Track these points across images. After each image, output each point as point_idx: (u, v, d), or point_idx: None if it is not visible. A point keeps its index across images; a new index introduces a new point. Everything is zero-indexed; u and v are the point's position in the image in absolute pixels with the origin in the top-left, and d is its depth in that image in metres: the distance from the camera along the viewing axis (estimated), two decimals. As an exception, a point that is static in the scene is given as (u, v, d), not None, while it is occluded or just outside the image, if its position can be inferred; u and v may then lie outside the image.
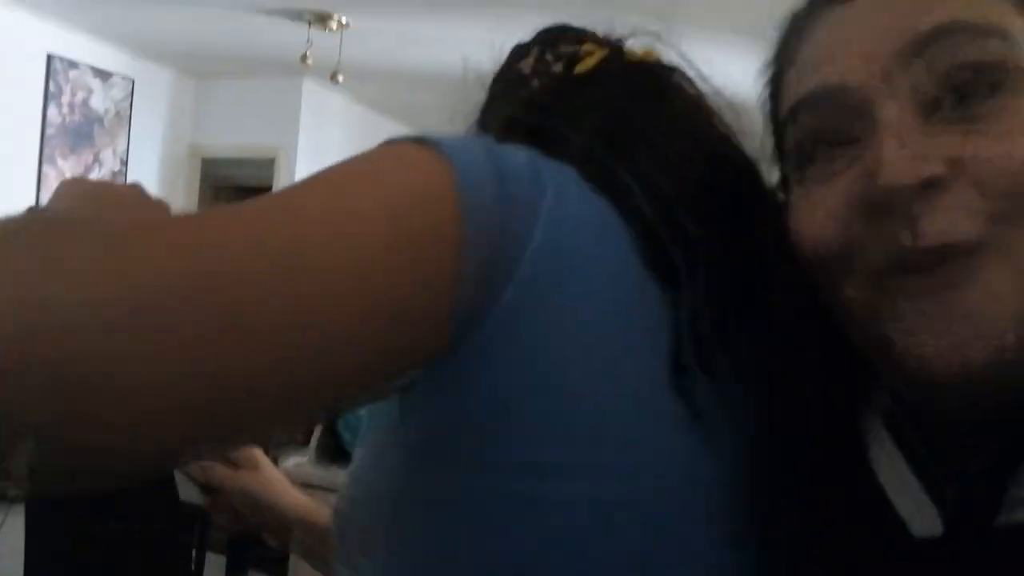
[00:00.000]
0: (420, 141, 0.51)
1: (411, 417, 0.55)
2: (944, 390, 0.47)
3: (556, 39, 0.76)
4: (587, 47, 0.73)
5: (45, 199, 6.24)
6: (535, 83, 0.73)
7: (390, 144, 0.52)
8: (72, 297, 0.36)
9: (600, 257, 0.54)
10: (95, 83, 6.74)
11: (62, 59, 6.39)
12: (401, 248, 0.46)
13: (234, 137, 7.62)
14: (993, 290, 0.45)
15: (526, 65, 0.75)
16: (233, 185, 7.69)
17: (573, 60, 0.72)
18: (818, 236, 0.51)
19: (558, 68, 0.73)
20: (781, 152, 0.57)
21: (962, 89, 0.47)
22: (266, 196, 0.46)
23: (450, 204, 0.48)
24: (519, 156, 0.55)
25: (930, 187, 0.45)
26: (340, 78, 6.00)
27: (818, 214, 0.51)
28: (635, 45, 0.77)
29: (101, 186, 0.66)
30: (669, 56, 0.74)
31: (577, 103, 0.68)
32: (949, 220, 0.45)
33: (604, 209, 0.57)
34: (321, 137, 7.65)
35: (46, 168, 6.37)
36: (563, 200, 0.54)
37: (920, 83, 0.47)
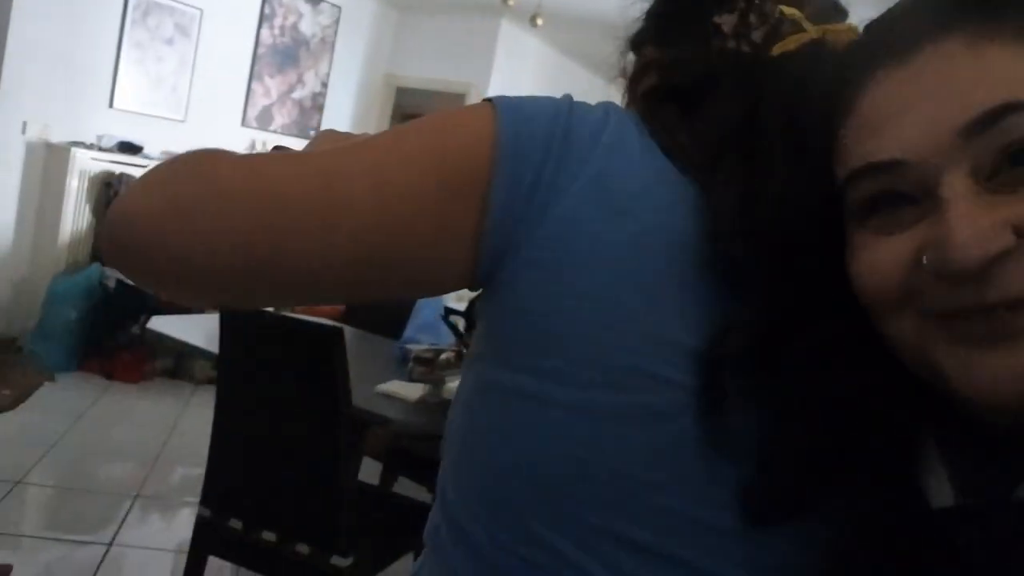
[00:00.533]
0: (489, 101, 0.63)
1: (478, 325, 0.67)
2: (996, 413, 0.50)
3: None
4: (791, 12, 0.69)
5: (251, 113, 6.58)
6: (731, 44, 0.71)
7: (470, 106, 0.66)
8: (191, 192, 0.58)
9: (647, 216, 0.60)
10: (306, 8, 7.05)
11: (279, -18, 6.73)
12: (434, 186, 0.60)
13: (429, 70, 7.80)
14: None
15: (727, 22, 0.72)
16: (423, 115, 7.89)
17: (775, 33, 0.70)
18: (880, 284, 0.53)
19: (758, 37, 0.71)
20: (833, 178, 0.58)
21: (1020, 159, 0.49)
22: (346, 146, 0.63)
23: (486, 157, 0.60)
24: (589, 119, 0.63)
25: (1000, 258, 0.48)
26: (539, 21, 6.02)
27: (881, 265, 0.53)
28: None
29: (342, 136, 0.84)
30: None
31: (748, 93, 0.65)
32: (1018, 279, 0.48)
33: (668, 178, 0.61)
34: (512, 77, 7.73)
35: (254, 84, 6.75)
36: (614, 157, 0.61)
37: (980, 156, 0.49)
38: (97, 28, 5.36)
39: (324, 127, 7.37)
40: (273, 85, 6.92)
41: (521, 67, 7.90)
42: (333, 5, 7.28)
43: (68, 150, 5.08)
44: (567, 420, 0.59)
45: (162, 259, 0.58)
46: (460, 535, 0.65)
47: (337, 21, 7.37)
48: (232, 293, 0.65)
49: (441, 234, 0.60)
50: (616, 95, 0.80)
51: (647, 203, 0.60)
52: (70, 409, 4.35)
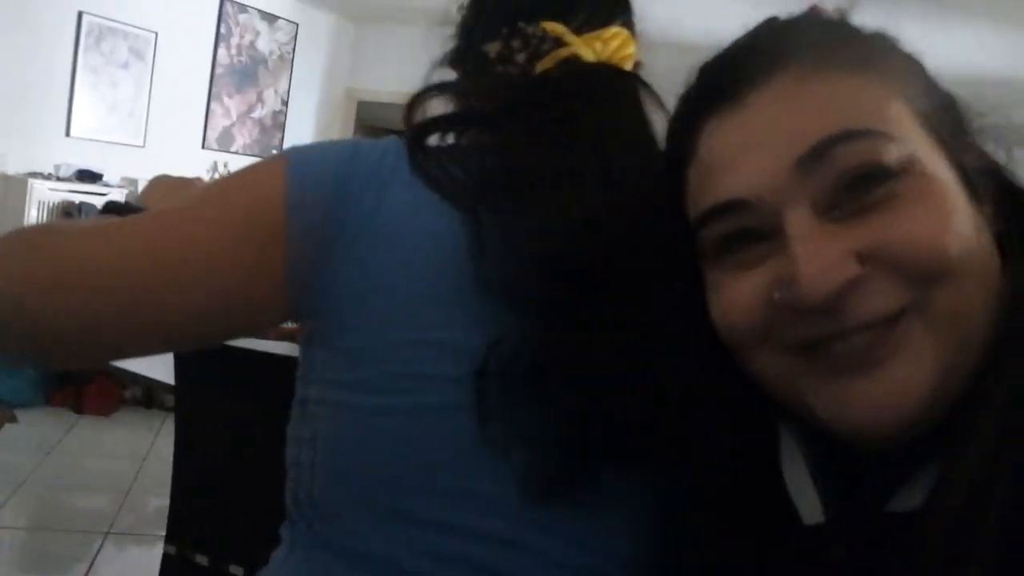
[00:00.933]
0: (282, 155, 0.70)
1: (300, 351, 0.75)
2: (862, 442, 0.51)
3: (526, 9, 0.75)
4: (553, 29, 0.73)
5: (211, 135, 6.51)
6: (499, 69, 0.75)
7: (268, 159, 0.72)
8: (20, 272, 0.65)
9: (416, 242, 0.66)
10: (262, 26, 7.01)
11: (233, 3, 6.67)
12: (238, 241, 0.66)
13: (389, 82, 7.75)
14: (912, 357, 0.49)
15: (492, 49, 0.75)
16: (386, 128, 7.87)
17: (536, 54, 0.73)
18: (738, 321, 0.54)
19: (521, 59, 0.73)
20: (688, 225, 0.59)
21: (856, 186, 0.50)
22: (157, 211, 0.71)
23: (280, 210, 0.66)
24: (368, 160, 0.69)
25: (848, 287, 0.49)
26: (494, 28, 6.00)
27: (737, 303, 0.54)
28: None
29: (171, 182, 0.96)
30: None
31: (515, 122, 0.70)
32: (869, 303, 0.49)
33: (439, 215, 0.66)
34: (473, 86, 7.69)
35: (214, 105, 6.70)
36: (389, 192, 0.67)
37: (818, 188, 0.50)
38: (50, 56, 5.30)
39: (286, 145, 7.35)
40: (232, 105, 6.87)
41: (482, 75, 7.88)
42: (289, 22, 7.24)
43: (25, 181, 5.01)
44: (371, 423, 0.66)
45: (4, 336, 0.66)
46: (312, 535, 0.70)
47: (295, 37, 7.33)
48: (81, 356, 0.72)
49: (253, 282, 0.67)
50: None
51: (417, 231, 0.66)
52: (39, 445, 4.29)
